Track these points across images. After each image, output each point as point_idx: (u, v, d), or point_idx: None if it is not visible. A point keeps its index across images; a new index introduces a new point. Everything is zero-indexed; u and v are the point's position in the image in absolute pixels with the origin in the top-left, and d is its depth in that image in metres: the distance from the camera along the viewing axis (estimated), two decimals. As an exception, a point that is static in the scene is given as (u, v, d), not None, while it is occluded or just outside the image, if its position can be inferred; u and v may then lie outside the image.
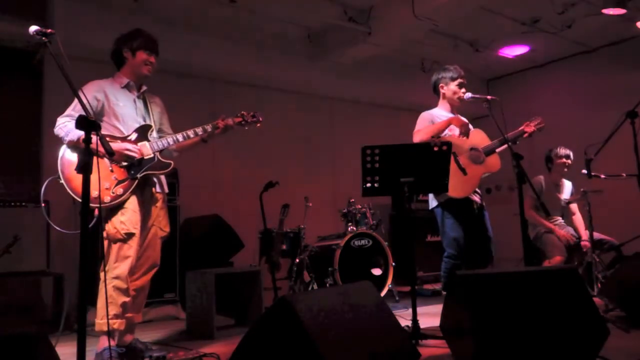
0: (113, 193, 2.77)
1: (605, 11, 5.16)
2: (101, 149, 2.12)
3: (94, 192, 2.51)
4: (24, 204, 3.95)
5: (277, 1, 4.90)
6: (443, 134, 3.61)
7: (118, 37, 3.04)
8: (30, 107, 4.64)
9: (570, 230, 4.70)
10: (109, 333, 2.61)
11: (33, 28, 2.21)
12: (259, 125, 3.24)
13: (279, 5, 4.96)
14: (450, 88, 3.71)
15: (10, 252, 3.81)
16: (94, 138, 2.62)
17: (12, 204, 3.96)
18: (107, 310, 2.58)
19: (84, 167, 1.94)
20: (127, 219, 2.81)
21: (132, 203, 2.86)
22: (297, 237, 5.03)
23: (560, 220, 4.77)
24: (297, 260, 4.87)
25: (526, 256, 3.44)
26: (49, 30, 2.22)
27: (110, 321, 2.63)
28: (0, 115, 4.71)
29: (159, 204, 3.06)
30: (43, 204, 3.92)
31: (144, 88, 3.11)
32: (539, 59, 6.94)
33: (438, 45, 6.15)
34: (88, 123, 1.97)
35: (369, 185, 2.98)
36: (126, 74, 3.04)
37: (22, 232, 3.85)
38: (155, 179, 3.05)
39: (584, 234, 4.59)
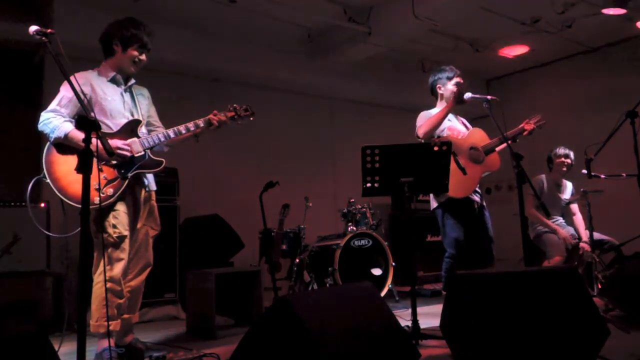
0: (103, 193, 2.65)
1: (605, 11, 5.17)
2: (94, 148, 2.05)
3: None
4: (23, 204, 3.95)
5: (277, 1, 4.89)
6: (444, 134, 3.61)
7: (112, 23, 2.90)
8: (30, 107, 4.64)
9: (571, 230, 4.70)
10: (109, 333, 2.59)
11: (33, 28, 2.20)
12: (252, 119, 3.13)
13: (279, 5, 4.95)
14: (447, 88, 3.70)
15: (11, 252, 3.81)
16: (77, 134, 2.61)
17: (12, 204, 3.96)
18: (107, 311, 2.56)
19: (84, 167, 1.92)
20: (119, 222, 2.74)
21: (123, 204, 2.77)
22: (297, 237, 5.03)
23: (560, 220, 4.77)
24: (297, 260, 4.87)
25: (526, 256, 3.44)
26: (49, 30, 2.20)
27: (105, 323, 2.60)
28: None
29: (148, 203, 2.98)
30: (43, 204, 3.95)
31: (132, 81, 3.00)
32: (539, 59, 6.94)
33: (438, 45, 6.15)
34: (89, 123, 1.95)
35: (369, 185, 2.98)
36: (113, 66, 2.91)
37: (22, 232, 3.84)
38: (145, 178, 2.95)
39: (584, 234, 4.58)
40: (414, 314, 2.88)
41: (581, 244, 4.51)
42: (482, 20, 5.54)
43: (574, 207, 4.82)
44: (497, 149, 3.66)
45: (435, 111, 3.70)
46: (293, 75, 6.10)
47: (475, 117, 6.50)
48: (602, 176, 4.25)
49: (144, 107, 3.05)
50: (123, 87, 2.96)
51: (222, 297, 3.62)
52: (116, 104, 2.88)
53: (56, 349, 1.87)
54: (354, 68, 6.26)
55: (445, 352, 2.50)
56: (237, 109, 3.10)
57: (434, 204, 3.64)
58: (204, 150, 4.85)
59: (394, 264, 4.81)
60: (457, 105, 3.60)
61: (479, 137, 3.70)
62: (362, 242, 4.82)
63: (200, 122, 2.99)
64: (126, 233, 2.77)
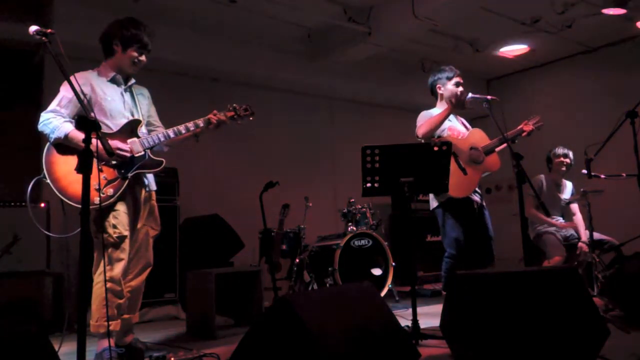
0: (103, 194, 2.66)
1: (605, 11, 5.17)
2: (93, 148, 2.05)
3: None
4: (23, 204, 3.95)
5: (277, 1, 4.89)
6: (444, 135, 3.61)
7: (112, 23, 2.89)
8: (30, 107, 4.64)
9: (571, 230, 4.71)
10: (109, 333, 2.59)
11: (33, 28, 2.20)
12: (252, 118, 3.13)
13: (279, 5, 4.96)
14: (447, 88, 3.70)
15: (11, 252, 3.81)
16: (77, 134, 2.61)
17: (12, 204, 3.96)
18: (107, 311, 2.56)
19: (84, 167, 1.92)
20: (119, 222, 2.74)
21: (123, 204, 2.77)
22: (297, 237, 5.03)
23: (560, 220, 4.77)
24: (297, 260, 4.87)
25: (526, 256, 3.44)
26: (49, 30, 2.21)
27: (105, 323, 2.60)
28: (0, 115, 4.71)
29: (148, 203, 2.98)
30: (43, 204, 3.95)
31: (132, 81, 3.00)
32: (539, 59, 6.94)
33: (438, 45, 6.15)
34: (89, 123, 1.95)
35: (369, 185, 2.98)
36: (113, 66, 2.91)
37: (22, 232, 3.84)
38: (145, 178, 2.95)
39: (584, 234, 4.58)
40: (414, 314, 2.88)
41: (579, 244, 4.51)
42: (482, 20, 5.55)
43: (574, 207, 4.81)
44: (497, 149, 3.66)
45: (435, 111, 3.70)
46: (293, 75, 6.10)
47: (475, 117, 6.51)
48: (602, 176, 4.25)
49: (144, 106, 3.05)
50: (123, 87, 2.96)
51: (222, 297, 3.62)
52: (116, 104, 2.88)
53: (56, 349, 1.88)
54: (354, 68, 6.26)
55: (445, 352, 2.50)
56: (236, 108, 3.09)
57: (434, 203, 3.64)
58: (204, 150, 4.86)
59: (394, 264, 4.81)
60: (457, 110, 3.61)
61: (479, 137, 3.70)
62: (362, 242, 4.82)
63: (200, 122, 2.98)
64: (126, 233, 2.77)
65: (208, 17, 5.18)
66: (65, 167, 2.64)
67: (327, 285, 4.61)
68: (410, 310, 2.97)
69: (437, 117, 3.53)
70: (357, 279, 4.45)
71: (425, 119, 3.60)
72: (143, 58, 2.93)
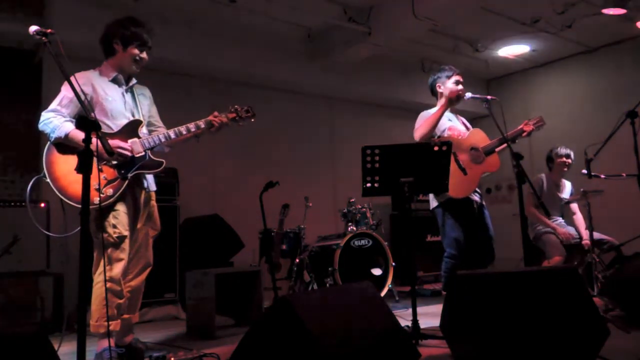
0: (103, 194, 2.65)
1: (605, 11, 5.16)
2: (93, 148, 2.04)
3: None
4: (23, 204, 3.95)
5: (277, 1, 4.90)
6: (445, 135, 3.61)
7: (112, 23, 2.88)
8: (30, 107, 4.65)
9: (571, 229, 4.70)
10: (109, 333, 2.59)
11: (33, 28, 2.21)
12: (253, 120, 3.10)
13: (279, 5, 4.96)
14: (447, 87, 3.70)
15: (11, 252, 3.81)
16: (77, 133, 2.61)
17: (12, 204, 3.96)
18: (107, 311, 2.56)
19: (84, 167, 1.91)
20: (119, 222, 2.73)
21: (123, 204, 2.77)
22: (297, 237, 5.03)
23: (560, 220, 4.77)
24: (297, 260, 4.86)
25: (526, 256, 3.44)
26: (49, 30, 2.21)
27: (105, 323, 2.60)
28: (0, 115, 4.72)
29: (148, 204, 2.97)
30: (43, 204, 3.95)
31: (133, 82, 2.98)
32: (539, 59, 6.94)
33: (438, 45, 6.15)
34: (89, 123, 1.95)
35: (369, 185, 2.98)
36: (114, 66, 2.90)
37: (22, 232, 3.84)
38: (144, 179, 2.94)
39: (584, 233, 4.58)
40: (414, 314, 2.88)
41: (584, 242, 4.51)
42: (482, 20, 5.55)
43: (574, 206, 4.81)
44: (497, 149, 3.66)
45: (434, 111, 3.70)
46: (293, 75, 6.10)
47: (475, 117, 6.53)
48: (602, 176, 4.25)
49: (145, 107, 3.04)
50: (124, 87, 2.95)
51: (222, 297, 3.62)
52: (117, 104, 2.87)
53: (56, 349, 1.88)
54: (354, 68, 6.26)
55: (445, 352, 2.50)
56: (238, 110, 3.07)
57: (433, 203, 3.64)
58: (204, 150, 4.86)
59: (394, 264, 4.81)
60: (453, 105, 3.62)
61: (479, 137, 3.70)
62: (362, 242, 4.82)
63: (201, 123, 2.97)
64: (126, 233, 2.76)
65: (208, 17, 5.18)
66: (65, 167, 2.64)
67: (327, 285, 4.61)
68: (410, 310, 2.96)
69: (432, 116, 3.53)
70: (357, 279, 4.44)
71: (422, 120, 3.60)
72: (144, 55, 2.91)
